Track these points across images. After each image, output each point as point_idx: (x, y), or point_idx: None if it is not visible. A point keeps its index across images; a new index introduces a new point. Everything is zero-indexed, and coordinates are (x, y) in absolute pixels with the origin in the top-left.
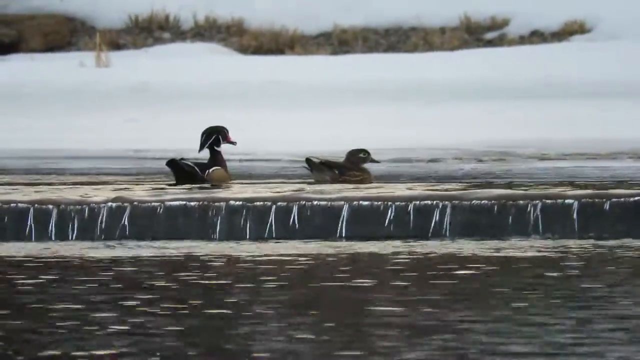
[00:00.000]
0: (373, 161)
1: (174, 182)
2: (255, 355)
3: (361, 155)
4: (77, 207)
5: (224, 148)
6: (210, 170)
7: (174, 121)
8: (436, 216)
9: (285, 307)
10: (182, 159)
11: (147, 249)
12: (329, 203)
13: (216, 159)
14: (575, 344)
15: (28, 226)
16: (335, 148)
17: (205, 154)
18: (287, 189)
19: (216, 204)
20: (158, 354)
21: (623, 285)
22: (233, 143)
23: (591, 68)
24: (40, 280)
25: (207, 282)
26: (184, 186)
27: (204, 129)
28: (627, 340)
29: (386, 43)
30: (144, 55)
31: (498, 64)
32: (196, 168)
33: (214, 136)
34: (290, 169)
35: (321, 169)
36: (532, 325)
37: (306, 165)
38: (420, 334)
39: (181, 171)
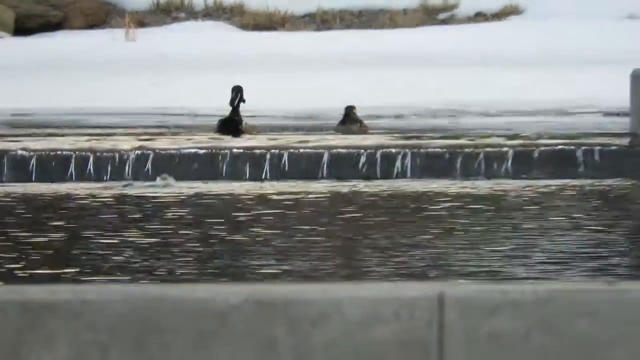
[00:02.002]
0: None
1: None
2: None
3: (352, 109)
4: (110, 154)
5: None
6: (243, 124)
7: (189, 84)
8: (399, 160)
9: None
10: (227, 118)
11: (168, 188)
12: (312, 150)
13: (239, 114)
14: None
15: (70, 170)
16: (321, 106)
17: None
18: (282, 139)
19: (221, 150)
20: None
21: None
22: (244, 101)
23: (523, 41)
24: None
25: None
26: (193, 137)
27: (232, 87)
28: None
29: (359, 22)
30: (164, 31)
31: (449, 39)
32: (239, 123)
33: (240, 92)
34: (283, 124)
35: (352, 120)
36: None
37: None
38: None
39: (231, 126)
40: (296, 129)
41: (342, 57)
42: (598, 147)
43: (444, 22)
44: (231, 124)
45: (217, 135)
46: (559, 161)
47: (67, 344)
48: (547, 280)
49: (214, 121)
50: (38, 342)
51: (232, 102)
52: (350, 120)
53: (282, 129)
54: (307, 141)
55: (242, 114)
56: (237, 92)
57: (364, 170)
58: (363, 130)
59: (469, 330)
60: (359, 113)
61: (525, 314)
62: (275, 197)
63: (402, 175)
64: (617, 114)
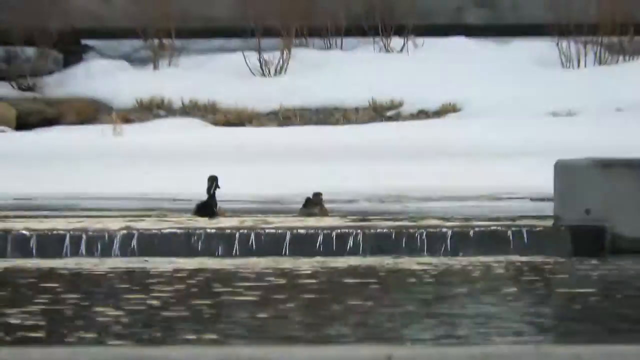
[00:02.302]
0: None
1: (196, 215)
2: None
3: (321, 196)
4: (100, 233)
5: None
6: (217, 208)
7: (169, 173)
8: (351, 240)
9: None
10: (204, 202)
11: (146, 264)
12: (275, 230)
13: (214, 199)
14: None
15: (64, 247)
16: (285, 192)
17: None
18: (249, 221)
19: (196, 231)
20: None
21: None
22: (219, 187)
23: (461, 136)
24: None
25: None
26: (172, 219)
27: (208, 176)
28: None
29: (316, 119)
30: (147, 127)
31: (395, 133)
32: (214, 206)
33: (215, 181)
34: (252, 207)
35: (313, 204)
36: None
37: (305, 200)
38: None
39: (207, 209)
40: (263, 212)
41: (303, 149)
42: (526, 229)
43: (391, 118)
44: (207, 207)
45: (194, 217)
46: (492, 240)
47: None
48: (482, 344)
49: (191, 205)
50: None
51: (208, 190)
52: (312, 204)
53: (251, 212)
54: (272, 222)
55: (217, 198)
56: (213, 181)
57: (320, 248)
58: (324, 212)
59: None
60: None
61: None
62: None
63: (353, 252)
64: (542, 200)
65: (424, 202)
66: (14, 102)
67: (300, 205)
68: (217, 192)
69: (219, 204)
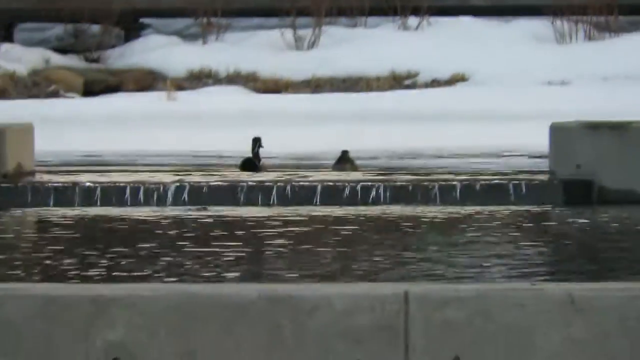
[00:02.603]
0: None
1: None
2: None
3: (346, 153)
4: (156, 185)
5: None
6: (260, 164)
7: (216, 134)
8: (373, 191)
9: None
10: (248, 158)
11: (199, 212)
12: (308, 183)
13: (258, 156)
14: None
15: (125, 197)
16: (317, 150)
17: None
18: (287, 175)
19: (239, 184)
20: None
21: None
22: (262, 147)
23: (468, 102)
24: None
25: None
26: (219, 173)
27: (252, 137)
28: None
29: (343, 86)
30: (197, 93)
31: (412, 100)
32: (257, 163)
33: (259, 142)
34: (289, 163)
35: (344, 160)
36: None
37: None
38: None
39: (252, 164)
40: (297, 167)
41: (331, 113)
42: (524, 182)
43: (408, 87)
44: (250, 163)
45: (239, 172)
46: (495, 192)
47: (124, 327)
48: (487, 280)
49: (237, 161)
50: (104, 325)
51: (252, 149)
52: (343, 160)
53: (286, 167)
54: (305, 176)
55: (260, 155)
56: (256, 141)
57: (346, 198)
58: (354, 168)
59: (427, 318)
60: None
61: (469, 306)
62: (291, 218)
63: (375, 202)
64: (539, 157)
65: (436, 159)
66: (82, 72)
67: (333, 162)
68: (261, 150)
69: (263, 160)
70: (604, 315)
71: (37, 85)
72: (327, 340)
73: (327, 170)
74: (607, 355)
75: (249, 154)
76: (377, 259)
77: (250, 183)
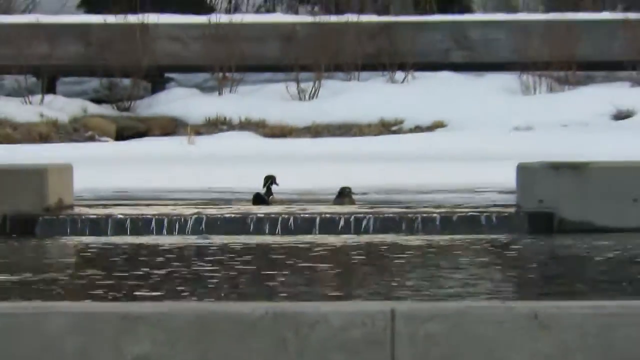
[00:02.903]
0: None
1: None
2: None
3: (349, 189)
4: (177, 217)
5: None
6: (270, 198)
7: (229, 172)
8: (364, 222)
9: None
10: (258, 193)
11: (217, 240)
12: (309, 215)
13: (271, 192)
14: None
15: (151, 227)
16: (316, 186)
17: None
18: (291, 208)
19: (249, 215)
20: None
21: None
22: (277, 184)
23: (446, 145)
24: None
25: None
26: (232, 206)
27: (264, 176)
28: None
29: (339, 132)
30: (213, 138)
31: (398, 144)
32: (266, 198)
33: (271, 179)
34: (293, 198)
35: (343, 196)
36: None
37: (338, 192)
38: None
39: (261, 199)
40: (305, 201)
41: (328, 155)
42: (495, 214)
43: (394, 132)
44: (261, 198)
45: (250, 206)
46: (470, 222)
47: (150, 341)
48: (464, 299)
49: (248, 197)
50: (132, 340)
51: (264, 185)
52: (342, 195)
53: (291, 201)
54: (306, 209)
55: (272, 191)
56: (268, 179)
57: (340, 228)
58: (351, 202)
59: (411, 333)
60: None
61: (449, 322)
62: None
63: (365, 231)
64: (508, 193)
65: (419, 194)
66: (114, 120)
67: (334, 196)
68: (273, 187)
69: (273, 196)
70: (566, 332)
71: (76, 131)
72: (326, 352)
73: (327, 204)
74: None
75: (258, 190)
76: (364, 274)
77: (259, 215)
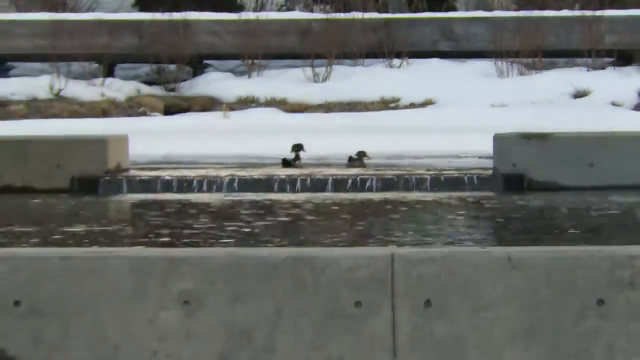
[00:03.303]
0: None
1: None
2: None
3: (364, 152)
4: (214, 178)
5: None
6: (297, 162)
7: (257, 142)
8: (368, 182)
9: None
10: (285, 158)
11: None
12: (323, 177)
13: (298, 157)
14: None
15: (192, 186)
16: (329, 153)
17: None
18: (311, 170)
19: (274, 177)
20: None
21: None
22: (304, 151)
23: (436, 118)
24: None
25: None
26: (260, 169)
27: (293, 144)
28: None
29: (347, 108)
30: (245, 113)
31: (396, 118)
32: (292, 162)
33: (298, 147)
34: (313, 163)
35: (354, 160)
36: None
37: (353, 157)
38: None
39: (288, 163)
40: (320, 165)
41: (339, 127)
42: (476, 175)
43: (392, 108)
44: (287, 162)
45: (274, 169)
46: (455, 182)
47: (192, 279)
48: (452, 244)
49: (274, 161)
50: (177, 278)
51: (292, 151)
52: (353, 159)
53: (310, 165)
54: (321, 172)
55: (283, 159)
56: (295, 146)
57: (349, 187)
58: (362, 165)
59: (406, 273)
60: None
61: (437, 264)
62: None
63: (369, 189)
64: (486, 158)
65: (414, 159)
66: (162, 99)
67: (346, 161)
68: (301, 153)
69: (300, 161)
70: (533, 271)
71: (131, 108)
72: (337, 289)
73: (341, 167)
74: (537, 298)
75: (285, 155)
76: (365, 222)
77: (281, 176)
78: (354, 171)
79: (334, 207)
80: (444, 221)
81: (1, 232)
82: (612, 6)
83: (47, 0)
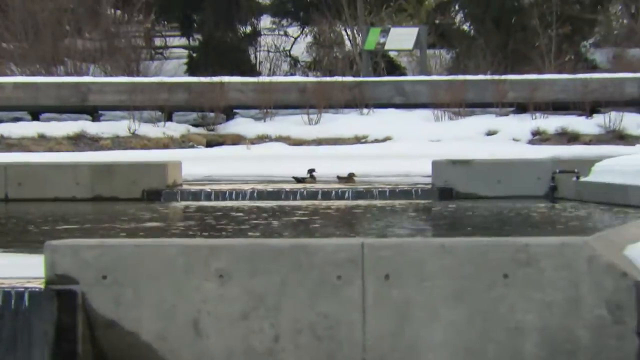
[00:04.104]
0: (352, 177)
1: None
2: None
3: (354, 174)
4: (240, 190)
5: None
6: (305, 179)
7: (272, 166)
8: (346, 194)
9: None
10: (295, 176)
11: (264, 203)
12: (315, 190)
13: (312, 177)
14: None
15: (226, 196)
16: (319, 173)
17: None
18: (311, 185)
19: (282, 190)
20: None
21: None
22: (315, 172)
23: (393, 150)
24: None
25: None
26: (275, 185)
27: (308, 168)
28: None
29: (332, 142)
30: (261, 146)
31: (365, 149)
32: (301, 179)
33: (312, 170)
34: (322, 180)
35: (343, 179)
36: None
37: (341, 176)
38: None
39: (298, 180)
40: (319, 182)
41: (326, 155)
42: (420, 188)
43: (363, 142)
44: (297, 179)
45: (283, 184)
46: (406, 193)
47: (225, 260)
48: (403, 236)
49: (283, 179)
50: (215, 259)
51: (307, 173)
52: (344, 179)
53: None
54: (313, 186)
55: (293, 177)
56: (310, 170)
57: (332, 197)
58: (351, 182)
59: (371, 255)
60: (321, 176)
61: (393, 250)
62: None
63: (347, 198)
64: (427, 176)
65: (378, 177)
66: (205, 135)
67: (336, 179)
68: (314, 173)
69: (310, 179)
70: (460, 254)
71: (183, 142)
72: (324, 267)
73: (333, 183)
74: (461, 273)
75: (289, 176)
76: (340, 218)
77: (287, 189)
78: (335, 185)
79: (322, 210)
80: (398, 218)
81: (103, 228)
82: (512, 72)
83: (126, 68)
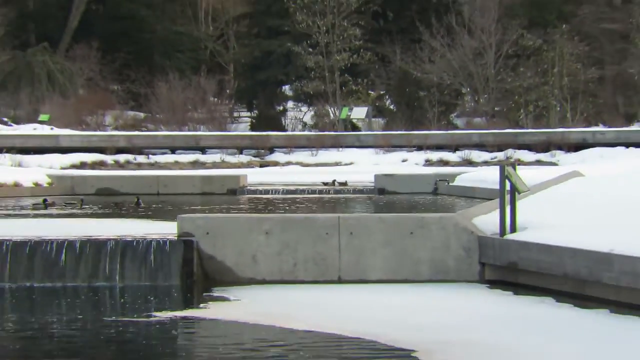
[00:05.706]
0: (346, 183)
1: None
2: None
3: (346, 182)
4: (278, 189)
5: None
6: (328, 183)
7: (294, 178)
8: (330, 191)
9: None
10: (325, 181)
11: (291, 195)
12: (312, 190)
13: (334, 183)
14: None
15: (271, 192)
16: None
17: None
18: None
19: (298, 189)
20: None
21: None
22: (336, 180)
23: (355, 169)
24: None
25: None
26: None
27: (333, 179)
28: None
29: (325, 165)
30: (288, 167)
31: (341, 169)
32: (326, 184)
33: (334, 180)
34: (305, 188)
35: (341, 183)
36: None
37: (336, 182)
38: None
39: (325, 184)
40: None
41: (321, 172)
42: (368, 188)
43: (339, 165)
44: (325, 183)
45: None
46: (360, 190)
47: (268, 226)
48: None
49: (302, 187)
50: (264, 225)
51: (332, 181)
52: (341, 183)
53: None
54: (316, 188)
55: (324, 181)
56: (334, 181)
57: (324, 193)
58: (345, 185)
59: (348, 228)
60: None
61: (355, 220)
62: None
63: (330, 194)
64: (372, 182)
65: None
66: (258, 161)
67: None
68: (337, 181)
69: (337, 183)
70: (388, 222)
71: (247, 165)
72: (319, 228)
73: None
74: (390, 232)
75: (307, 184)
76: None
77: (300, 187)
78: (324, 187)
79: (320, 200)
80: (356, 204)
81: (207, 208)
82: (415, 129)
83: (219, 127)
